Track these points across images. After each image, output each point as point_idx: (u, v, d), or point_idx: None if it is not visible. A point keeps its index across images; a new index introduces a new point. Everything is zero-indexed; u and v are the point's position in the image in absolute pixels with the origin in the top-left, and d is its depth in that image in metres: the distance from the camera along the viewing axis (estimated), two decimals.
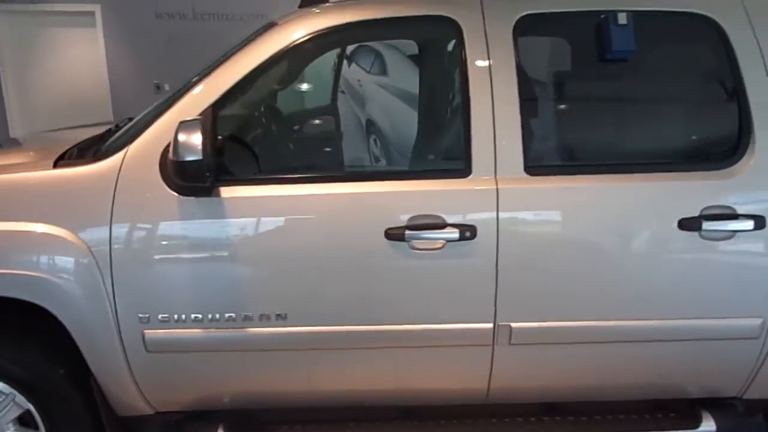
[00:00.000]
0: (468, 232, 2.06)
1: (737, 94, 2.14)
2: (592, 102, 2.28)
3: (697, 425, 2.31)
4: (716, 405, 2.38)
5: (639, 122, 2.25)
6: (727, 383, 2.33)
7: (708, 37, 2.16)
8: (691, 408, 2.36)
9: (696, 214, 2.10)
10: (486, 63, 2.11)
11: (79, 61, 7.35)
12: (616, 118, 2.30)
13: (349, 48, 3.79)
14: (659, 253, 2.14)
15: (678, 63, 2.26)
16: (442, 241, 2.07)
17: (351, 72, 4.02)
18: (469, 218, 2.08)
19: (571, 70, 2.35)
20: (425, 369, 2.23)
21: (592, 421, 2.35)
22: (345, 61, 3.88)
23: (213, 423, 2.28)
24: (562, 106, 2.34)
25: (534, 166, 2.11)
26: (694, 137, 2.30)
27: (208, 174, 1.90)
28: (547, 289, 2.14)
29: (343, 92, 3.80)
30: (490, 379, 2.24)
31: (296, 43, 2.16)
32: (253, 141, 2.45)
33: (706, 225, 2.08)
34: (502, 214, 2.08)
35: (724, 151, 2.16)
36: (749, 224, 2.09)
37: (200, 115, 2.04)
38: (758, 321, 2.19)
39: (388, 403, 2.33)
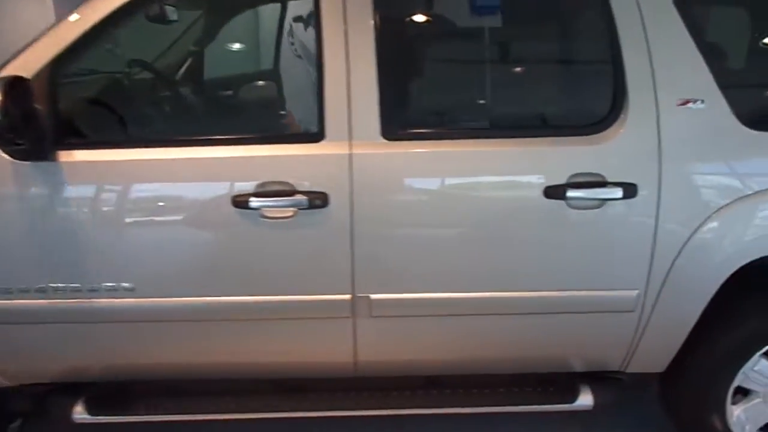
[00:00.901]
0: (318, 199, 1.96)
1: (613, 58, 2.00)
2: (455, 64, 2.14)
3: (573, 400, 2.24)
4: (601, 379, 2.31)
5: (505, 85, 2.12)
6: (607, 357, 2.24)
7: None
8: (570, 382, 2.29)
9: (562, 181, 1.99)
10: (341, 22, 1.97)
11: (28, 26, 7.17)
12: (482, 81, 2.17)
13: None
14: (524, 223, 2.03)
15: (551, 24, 2.12)
16: (292, 209, 1.97)
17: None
18: (321, 185, 1.97)
19: (436, 30, 2.19)
20: (287, 341, 2.15)
21: (469, 395, 2.28)
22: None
23: (75, 395, 2.23)
24: (424, 68, 2.20)
25: (392, 131, 1.99)
26: (564, 101, 2.17)
27: (13, 136, 1.79)
28: (408, 260, 2.05)
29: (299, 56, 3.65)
30: (355, 352, 2.16)
31: None
32: (121, 103, 2.33)
33: (572, 193, 1.98)
34: (356, 181, 1.97)
35: (595, 116, 2.03)
36: (618, 192, 1.98)
37: (36, 73, 1.93)
38: (633, 293, 2.09)
39: (256, 376, 2.26)
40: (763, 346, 2.20)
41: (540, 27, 2.11)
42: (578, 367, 2.29)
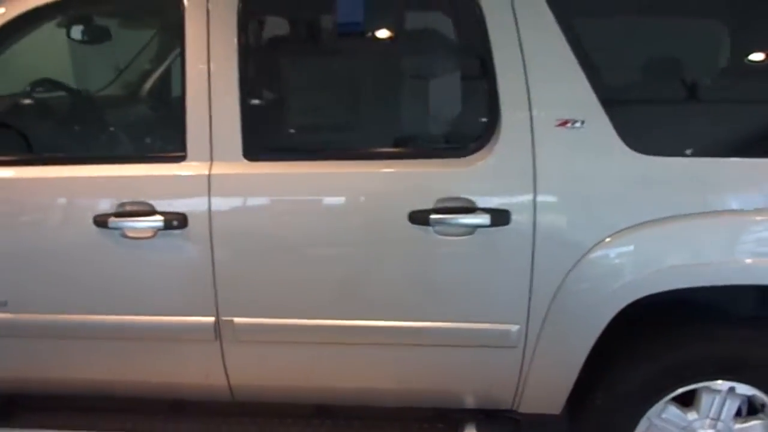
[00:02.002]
0: (176, 220, 1.93)
1: (485, 76, 1.87)
2: (319, 84, 2.06)
3: None
4: (495, 418, 2.16)
5: (371, 105, 2.03)
6: (496, 395, 2.09)
7: (457, 10, 1.91)
8: (460, 420, 2.15)
9: (429, 206, 1.88)
10: (204, 43, 1.94)
11: None
12: (347, 101, 2.08)
13: None
14: (389, 249, 1.93)
15: (419, 42, 2.01)
16: (151, 229, 1.95)
17: None
18: (180, 205, 1.94)
19: (299, 50, 2.12)
20: (158, 362, 2.12)
21: (351, 427, 2.18)
22: None
23: None
24: (288, 89, 2.13)
25: (254, 152, 1.93)
26: (433, 122, 2.06)
27: None
28: (270, 284, 1.98)
29: None
30: (227, 376, 2.11)
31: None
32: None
33: (435, 218, 1.86)
34: (214, 202, 1.93)
35: (465, 137, 1.92)
36: (485, 219, 1.85)
37: None
38: (513, 327, 1.95)
39: (135, 395, 2.24)
40: (670, 391, 2.00)
41: (408, 45, 2.01)
42: (470, 404, 2.15)
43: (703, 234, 1.85)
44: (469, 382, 2.08)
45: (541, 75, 1.85)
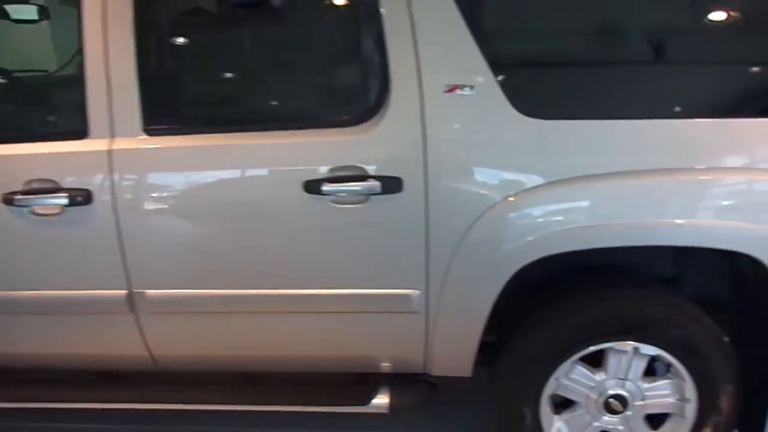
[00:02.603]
0: (80, 196, 1.97)
1: (375, 44, 1.86)
2: (216, 57, 2.05)
3: (367, 401, 2.15)
4: (411, 381, 2.20)
5: (266, 76, 2.02)
6: (406, 359, 2.13)
7: None
8: (372, 383, 2.20)
9: (322, 175, 1.90)
10: (99, 18, 1.94)
11: None
12: (242, 73, 2.08)
13: None
14: (287, 218, 1.96)
15: (310, 10, 2.00)
16: (57, 206, 2.00)
17: None
18: (84, 182, 1.98)
19: (195, 23, 2.10)
20: (79, 335, 2.19)
21: (268, 391, 2.23)
22: None
23: None
24: (185, 63, 2.13)
25: (154, 126, 1.96)
26: (325, 91, 2.05)
27: None
28: (177, 257, 2.03)
29: None
30: (147, 347, 2.17)
31: None
32: None
33: (327, 187, 1.88)
34: (117, 178, 1.96)
35: (357, 106, 1.91)
36: (376, 186, 1.86)
37: None
38: (414, 293, 1.97)
39: (63, 367, 2.32)
40: (574, 352, 2.02)
41: (300, 15, 2.00)
42: (385, 368, 2.19)
43: (595, 196, 1.84)
44: (379, 348, 2.12)
45: (430, 40, 1.84)
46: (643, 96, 1.85)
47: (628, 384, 2.06)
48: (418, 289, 1.97)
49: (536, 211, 1.86)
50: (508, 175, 1.86)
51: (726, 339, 2.01)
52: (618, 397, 2.07)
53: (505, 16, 1.92)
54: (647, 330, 1.97)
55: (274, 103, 2.05)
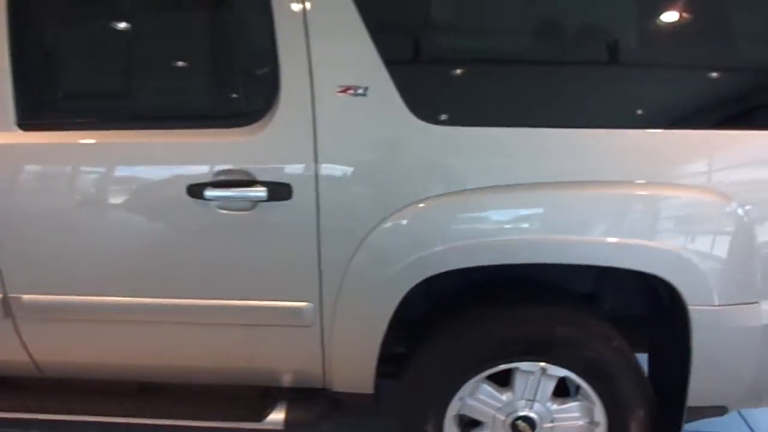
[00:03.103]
0: None
1: (266, 43, 1.72)
2: (96, 51, 1.90)
3: (263, 417, 2.03)
4: (311, 397, 2.09)
5: (152, 72, 1.88)
6: (305, 374, 2.01)
7: None
8: (274, 398, 2.08)
9: (206, 179, 1.76)
10: None
11: None
12: (125, 69, 1.93)
13: None
14: (169, 223, 1.83)
15: (201, 6, 1.84)
16: None
17: None
18: None
19: (73, 15, 1.93)
20: None
21: (165, 402, 2.11)
22: None
23: None
24: (62, 56, 1.96)
25: (28, 121, 1.82)
26: (214, 90, 1.90)
27: None
28: (53, 261, 1.89)
29: None
30: (28, 353, 2.04)
31: None
32: None
33: (211, 192, 1.75)
34: None
35: (246, 106, 1.80)
36: (262, 192, 1.74)
37: None
38: (306, 305, 1.85)
39: None
40: (477, 372, 1.91)
41: (188, 9, 1.84)
42: (284, 382, 2.07)
43: (491, 209, 1.73)
44: (274, 362, 2.00)
45: (322, 35, 1.70)
46: (552, 103, 1.73)
47: (536, 405, 1.97)
48: (310, 302, 1.85)
49: (430, 224, 1.74)
50: (405, 185, 1.73)
51: (635, 362, 1.92)
52: (526, 419, 1.97)
53: (406, 10, 1.77)
54: (552, 350, 1.86)
55: (157, 99, 1.90)
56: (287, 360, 1.99)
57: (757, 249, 1.71)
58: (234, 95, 1.88)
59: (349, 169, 1.74)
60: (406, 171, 1.74)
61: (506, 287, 2.03)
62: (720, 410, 1.97)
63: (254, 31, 1.78)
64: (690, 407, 1.93)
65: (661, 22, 1.73)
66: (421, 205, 1.73)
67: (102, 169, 1.84)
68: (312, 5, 1.70)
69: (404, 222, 1.74)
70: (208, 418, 2.04)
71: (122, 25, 1.87)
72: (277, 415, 2.03)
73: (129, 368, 2.06)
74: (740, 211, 1.69)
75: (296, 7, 1.70)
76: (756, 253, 1.71)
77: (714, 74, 1.72)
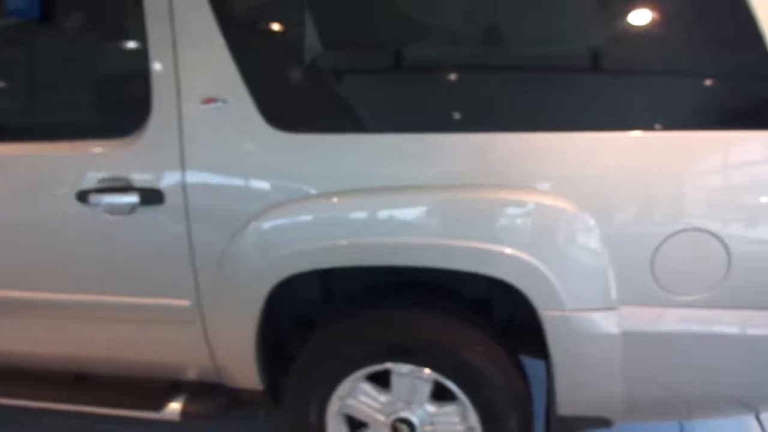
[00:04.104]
0: None
1: (140, 59, 1.87)
2: None
3: (160, 408, 2.16)
4: (211, 391, 2.21)
5: (42, 87, 2.06)
6: (200, 368, 2.12)
7: None
8: (174, 391, 2.22)
9: (92, 186, 1.93)
10: None
11: None
12: (20, 82, 2.12)
13: None
14: (64, 226, 2.00)
15: (84, 22, 2.01)
16: None
17: None
18: None
19: None
20: None
21: (74, 390, 2.27)
22: None
23: None
24: None
25: None
26: (97, 102, 2.05)
27: None
28: None
29: None
30: None
31: None
32: None
33: (94, 198, 1.92)
34: None
35: (125, 118, 1.93)
36: (135, 198, 1.89)
37: None
38: (184, 302, 1.98)
39: None
40: (352, 371, 1.97)
41: (72, 26, 2.02)
42: (185, 377, 2.20)
43: (330, 214, 1.80)
44: (170, 356, 2.13)
45: (189, 52, 1.83)
46: (398, 108, 1.78)
47: (415, 408, 1.99)
48: (188, 299, 1.98)
49: (282, 229, 1.83)
50: (261, 191, 1.83)
51: (510, 368, 1.91)
52: (405, 422, 2.00)
53: (261, 22, 1.88)
54: (412, 353, 1.89)
55: (47, 114, 2.11)
56: (181, 355, 2.12)
57: (606, 250, 1.68)
58: (116, 108, 2.04)
59: (213, 177, 1.86)
60: (260, 178, 1.83)
61: (398, 291, 2.08)
62: (603, 422, 1.92)
63: (130, 47, 1.94)
64: (571, 417, 1.90)
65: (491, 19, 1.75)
66: (275, 210, 1.82)
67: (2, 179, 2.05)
68: (179, 20, 1.83)
69: (262, 226, 1.84)
70: (112, 405, 2.19)
71: (12, 46, 2.09)
72: (174, 407, 2.16)
73: (35, 357, 2.26)
74: (586, 215, 1.67)
75: (165, 22, 1.84)
76: (607, 255, 1.68)
77: (551, 75, 1.71)
